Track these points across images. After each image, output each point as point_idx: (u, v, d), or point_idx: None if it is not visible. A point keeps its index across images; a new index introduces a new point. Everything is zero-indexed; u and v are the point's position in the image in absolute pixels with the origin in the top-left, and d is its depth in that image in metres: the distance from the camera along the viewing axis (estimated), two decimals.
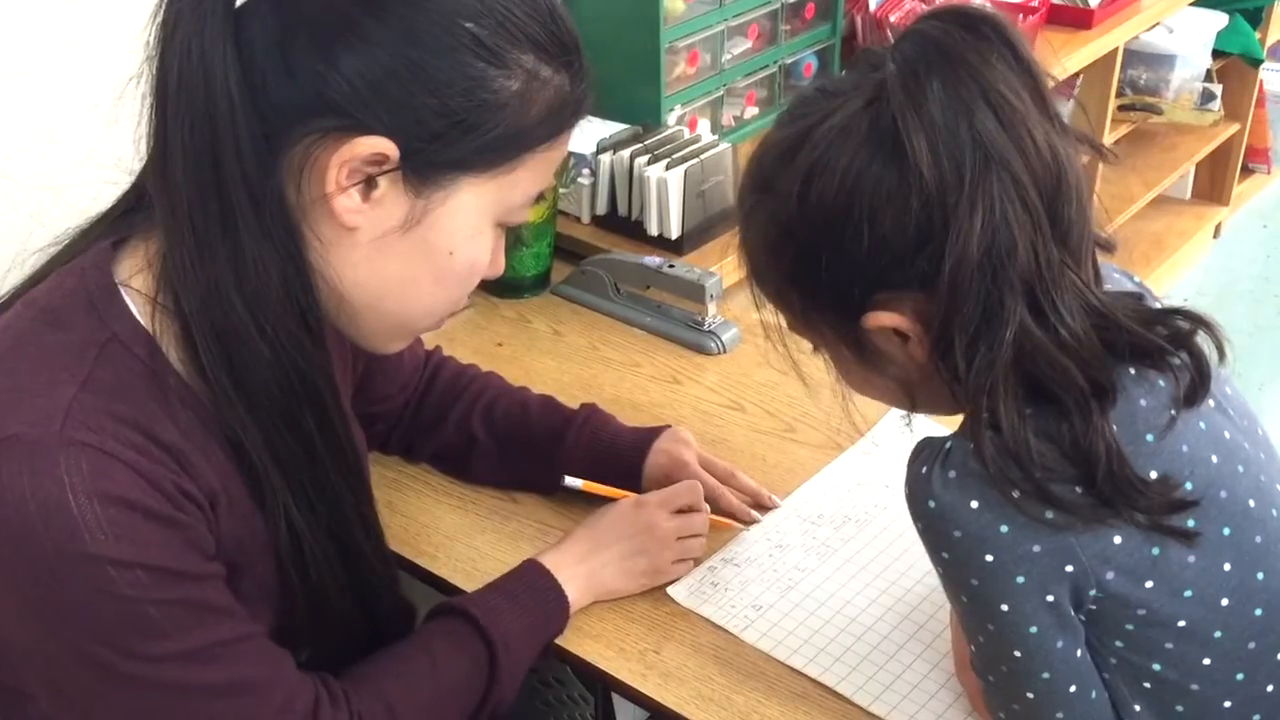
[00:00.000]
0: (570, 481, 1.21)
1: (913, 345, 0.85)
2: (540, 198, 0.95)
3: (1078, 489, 0.81)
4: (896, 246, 0.81)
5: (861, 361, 0.89)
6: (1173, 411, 0.84)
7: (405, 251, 0.88)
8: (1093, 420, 0.80)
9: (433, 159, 0.85)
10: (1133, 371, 0.84)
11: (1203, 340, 0.85)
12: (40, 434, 0.79)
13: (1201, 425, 0.86)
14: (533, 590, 1.09)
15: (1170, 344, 0.84)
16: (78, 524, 0.78)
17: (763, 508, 1.25)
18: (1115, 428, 0.82)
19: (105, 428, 0.81)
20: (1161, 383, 0.84)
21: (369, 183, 0.85)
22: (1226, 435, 0.88)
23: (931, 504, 0.84)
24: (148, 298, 0.86)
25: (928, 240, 0.80)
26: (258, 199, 0.83)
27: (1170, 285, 3.32)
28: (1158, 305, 0.91)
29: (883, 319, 0.85)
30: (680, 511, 1.17)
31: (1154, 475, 0.83)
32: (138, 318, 0.86)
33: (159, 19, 0.83)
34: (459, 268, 0.91)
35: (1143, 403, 0.84)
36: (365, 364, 1.20)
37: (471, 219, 0.89)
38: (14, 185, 1.45)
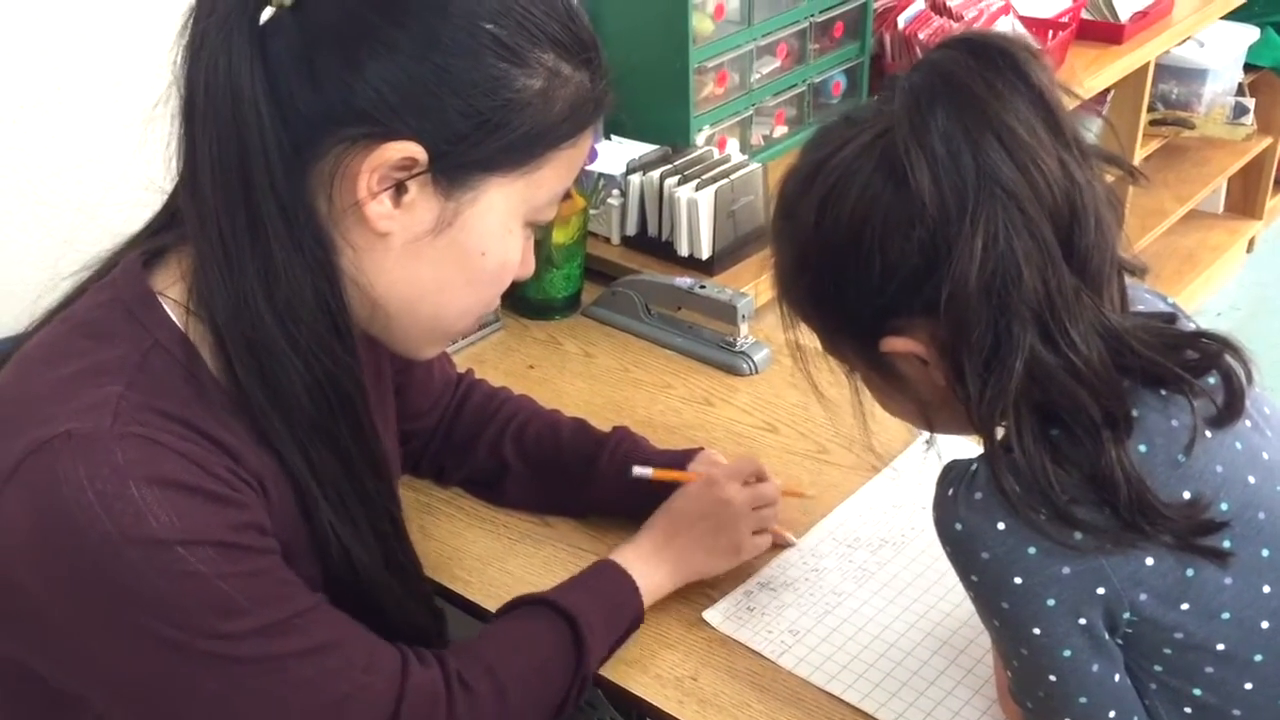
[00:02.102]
0: (639, 471, 1.21)
1: (932, 370, 0.86)
2: (566, 196, 0.96)
3: (1105, 510, 0.81)
4: (905, 274, 0.82)
5: (886, 384, 0.91)
6: (1207, 433, 0.83)
7: (438, 254, 0.89)
8: (1105, 449, 0.80)
9: (460, 160, 0.86)
10: (1163, 392, 0.84)
11: (1233, 361, 0.84)
12: (92, 428, 0.80)
13: (1238, 445, 0.85)
14: (606, 580, 1.10)
15: (1197, 368, 0.83)
16: (140, 509, 0.78)
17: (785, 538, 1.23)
18: (1144, 449, 0.82)
19: (153, 422, 0.82)
20: (1194, 403, 0.83)
21: (399, 188, 0.86)
22: (1265, 456, 0.87)
23: (958, 526, 0.84)
24: (184, 307, 0.87)
25: (935, 268, 0.80)
26: (288, 211, 0.84)
27: (1203, 300, 3.29)
28: (1191, 326, 0.90)
29: (898, 344, 0.85)
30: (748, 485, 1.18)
31: (1187, 496, 0.82)
32: (178, 324, 0.87)
33: (185, 39, 0.84)
34: (491, 268, 0.92)
35: (1174, 423, 0.83)
36: (396, 379, 1.19)
37: (501, 219, 0.90)
38: (47, 209, 1.47)
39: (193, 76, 0.83)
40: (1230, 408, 0.84)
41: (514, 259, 0.93)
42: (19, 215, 1.45)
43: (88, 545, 0.78)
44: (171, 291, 0.88)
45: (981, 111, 0.79)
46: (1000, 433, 0.83)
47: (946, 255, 0.79)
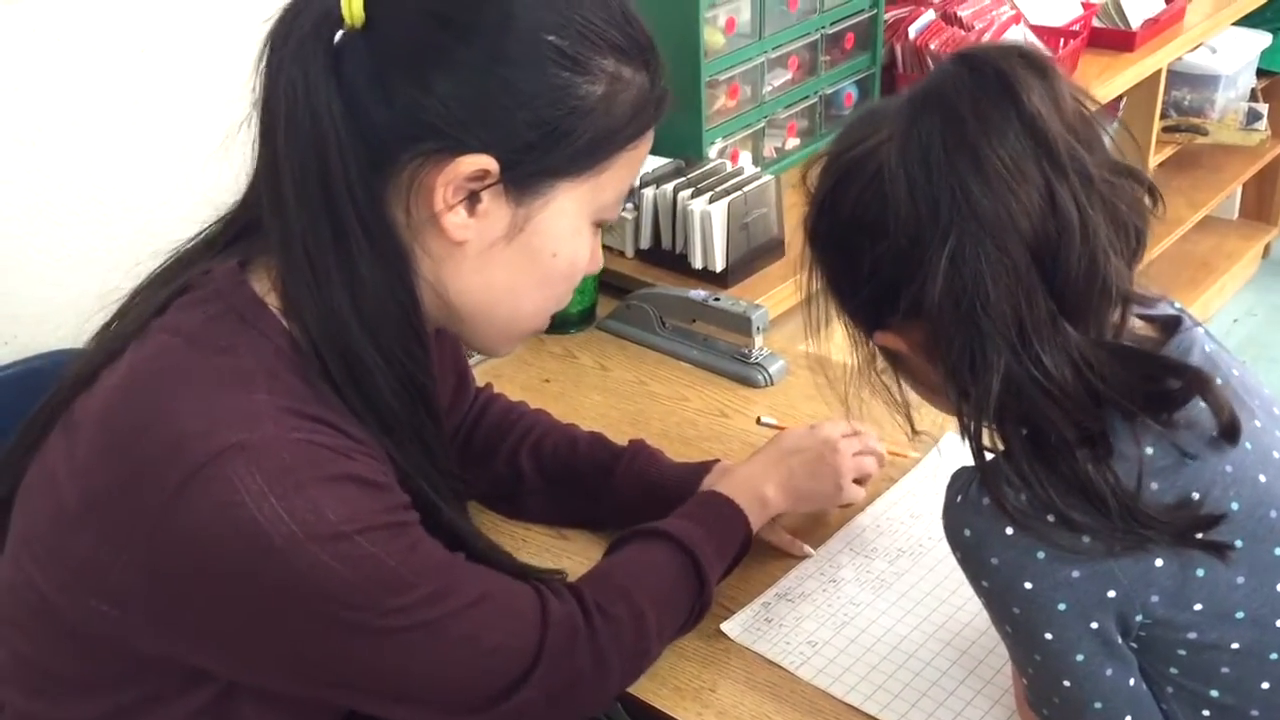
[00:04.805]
0: (767, 419, 1.34)
1: (924, 366, 0.88)
2: (631, 192, 0.98)
3: (1102, 516, 0.81)
4: (886, 279, 0.84)
5: (898, 367, 0.94)
6: (1214, 432, 0.83)
7: (511, 258, 0.92)
8: (1080, 466, 0.81)
9: (530, 169, 0.89)
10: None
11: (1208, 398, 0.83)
12: (258, 437, 0.83)
13: (1248, 445, 0.85)
14: (714, 510, 1.13)
15: (1177, 399, 0.82)
16: (318, 507, 0.82)
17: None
18: (1150, 450, 0.82)
19: (302, 425, 0.85)
20: (1201, 405, 0.83)
21: (473, 198, 0.89)
22: (1276, 455, 0.87)
23: (967, 532, 0.85)
24: (285, 315, 0.90)
25: (910, 279, 0.82)
26: (368, 224, 0.87)
27: (1219, 307, 3.28)
28: (1196, 332, 0.88)
29: (886, 340, 0.89)
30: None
31: (1195, 496, 0.82)
32: (288, 330, 0.90)
33: (263, 65, 0.87)
34: (562, 267, 0.95)
35: (1180, 426, 0.83)
36: None
37: (570, 221, 0.93)
38: (63, 230, 1.48)
39: (272, 100, 0.87)
40: (1228, 431, 0.83)
41: (583, 257, 0.97)
42: (39, 237, 1.46)
43: (274, 549, 0.82)
44: (269, 299, 0.91)
45: (963, 136, 0.79)
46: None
47: (918, 268, 0.81)
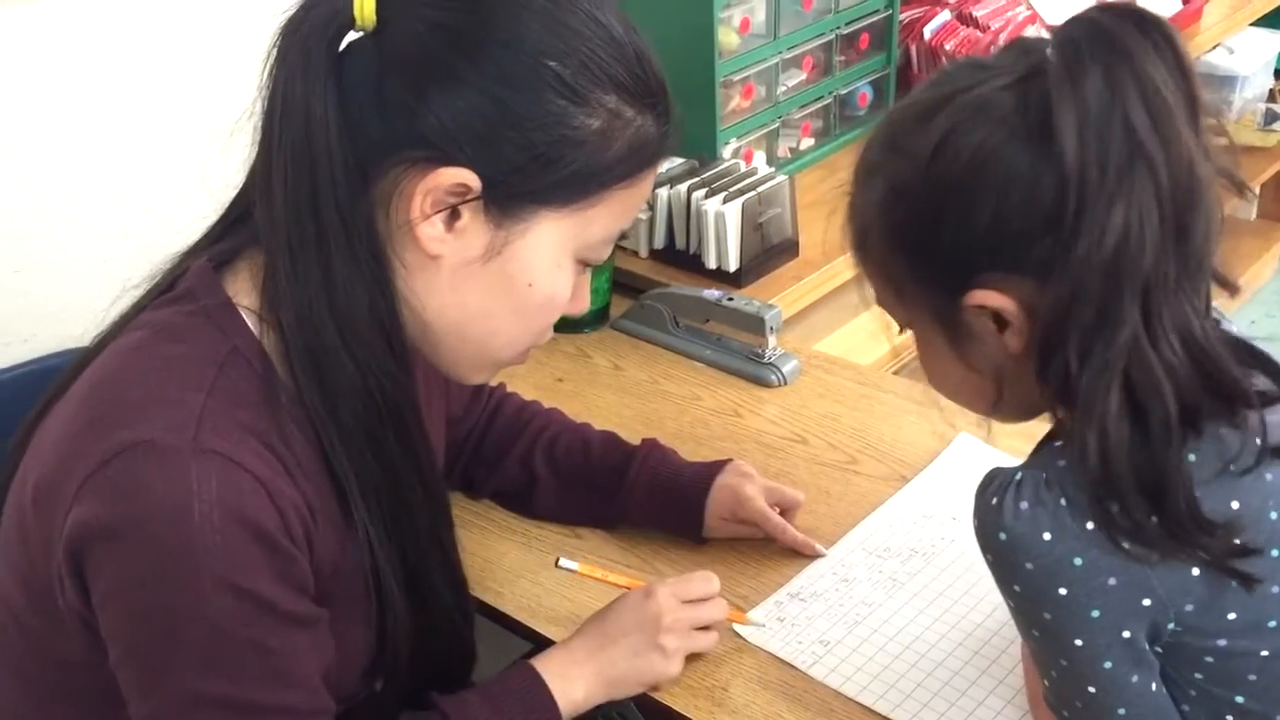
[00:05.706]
0: (565, 563, 1.21)
1: (1009, 334, 0.83)
2: (622, 237, 0.96)
3: (1151, 519, 0.80)
4: (1019, 227, 0.79)
5: (950, 346, 0.87)
6: (1258, 440, 0.81)
7: (486, 281, 0.91)
8: (1171, 449, 0.78)
9: (513, 191, 0.88)
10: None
11: None
12: (175, 440, 0.82)
13: None
14: (519, 699, 1.03)
15: (1265, 398, 0.81)
16: (195, 535, 0.81)
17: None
18: (1193, 457, 0.80)
19: (233, 435, 0.84)
20: (1252, 418, 0.81)
21: (453, 213, 0.88)
22: None
23: (1003, 536, 0.83)
24: (258, 315, 0.90)
25: (1056, 226, 0.77)
26: (349, 224, 0.87)
27: (1237, 308, 3.26)
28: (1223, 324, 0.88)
29: (987, 298, 0.82)
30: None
31: (1235, 506, 0.81)
32: (254, 332, 0.90)
33: (271, 58, 0.88)
34: (537, 300, 0.93)
35: (1227, 432, 0.81)
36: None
37: (550, 253, 0.91)
38: (82, 229, 1.49)
39: (272, 93, 0.87)
40: (1275, 450, 0.82)
41: (562, 294, 0.94)
42: (57, 237, 1.47)
43: (141, 552, 0.82)
44: (246, 300, 0.91)
45: (1136, 76, 0.76)
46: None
47: (1075, 216, 0.76)
